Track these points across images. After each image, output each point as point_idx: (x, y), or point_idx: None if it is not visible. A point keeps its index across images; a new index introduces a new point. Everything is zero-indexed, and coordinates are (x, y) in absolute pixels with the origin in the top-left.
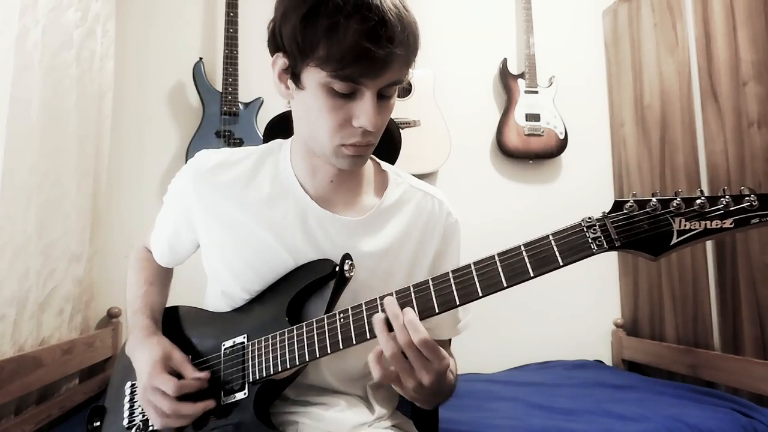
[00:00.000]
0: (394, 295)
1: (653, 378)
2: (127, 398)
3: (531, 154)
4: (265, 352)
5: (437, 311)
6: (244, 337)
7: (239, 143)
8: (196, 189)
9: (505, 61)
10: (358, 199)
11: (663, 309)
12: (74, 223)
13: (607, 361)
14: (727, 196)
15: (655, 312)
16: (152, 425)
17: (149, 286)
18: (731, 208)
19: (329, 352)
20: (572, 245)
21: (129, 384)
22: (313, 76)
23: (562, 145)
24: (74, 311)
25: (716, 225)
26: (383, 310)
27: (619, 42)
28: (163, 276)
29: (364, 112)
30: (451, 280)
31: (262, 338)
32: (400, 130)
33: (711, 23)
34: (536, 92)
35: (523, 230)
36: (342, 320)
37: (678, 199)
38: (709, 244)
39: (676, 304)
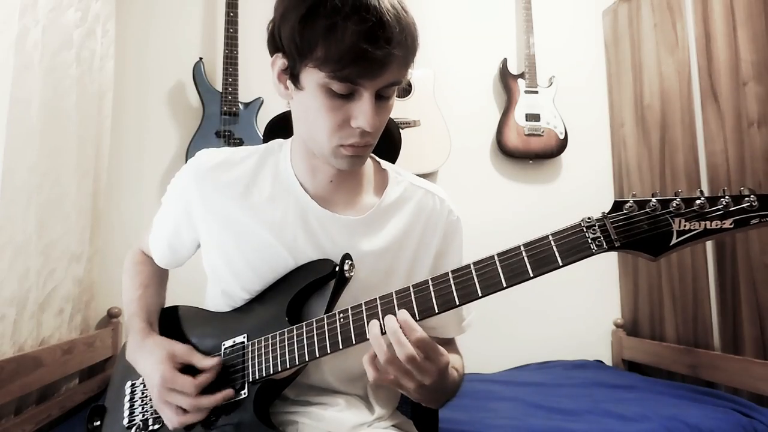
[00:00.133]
0: (394, 295)
1: (653, 378)
2: (127, 398)
3: (531, 154)
4: (264, 352)
5: (437, 311)
6: (244, 337)
7: (239, 143)
8: (198, 187)
9: (505, 61)
10: (358, 198)
11: (663, 309)
12: (74, 223)
13: (607, 361)
14: (726, 197)
15: (655, 312)
16: (152, 424)
17: (144, 289)
18: (731, 209)
19: (329, 352)
20: (572, 245)
21: (129, 383)
22: (312, 77)
23: (562, 145)
24: (74, 311)
25: (716, 225)
26: (382, 314)
27: (619, 42)
28: (159, 278)
29: (362, 112)
30: (451, 280)
31: (262, 338)
32: (400, 130)
33: (711, 23)
34: (536, 92)
35: (523, 230)
36: (342, 320)
37: (678, 199)
38: (709, 245)
39: (676, 304)
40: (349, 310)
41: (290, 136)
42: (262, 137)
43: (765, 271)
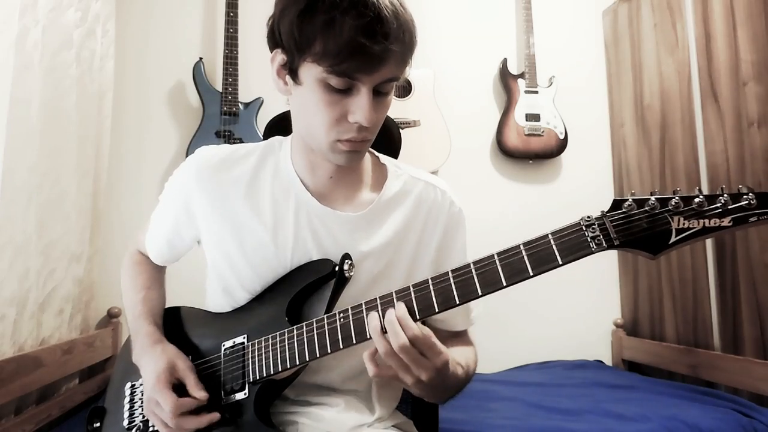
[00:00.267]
0: (394, 294)
1: (653, 378)
2: (127, 399)
3: (531, 154)
4: (265, 353)
5: (437, 310)
6: (244, 338)
7: (239, 143)
8: (199, 184)
9: (505, 61)
10: (358, 194)
11: (663, 309)
12: (74, 223)
13: (607, 361)
14: (725, 195)
15: (655, 312)
16: (152, 426)
17: (147, 291)
18: (729, 207)
19: (329, 351)
20: (571, 244)
21: (129, 384)
22: (310, 72)
23: (562, 145)
24: (74, 311)
25: (714, 223)
26: (382, 313)
27: (619, 42)
28: (159, 278)
29: (359, 107)
30: (451, 279)
31: (262, 338)
32: (400, 130)
33: (711, 23)
34: (536, 92)
35: (523, 230)
36: (342, 320)
37: (676, 197)
38: (709, 245)
39: (676, 304)
40: (350, 310)
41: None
42: (262, 137)
43: (765, 271)
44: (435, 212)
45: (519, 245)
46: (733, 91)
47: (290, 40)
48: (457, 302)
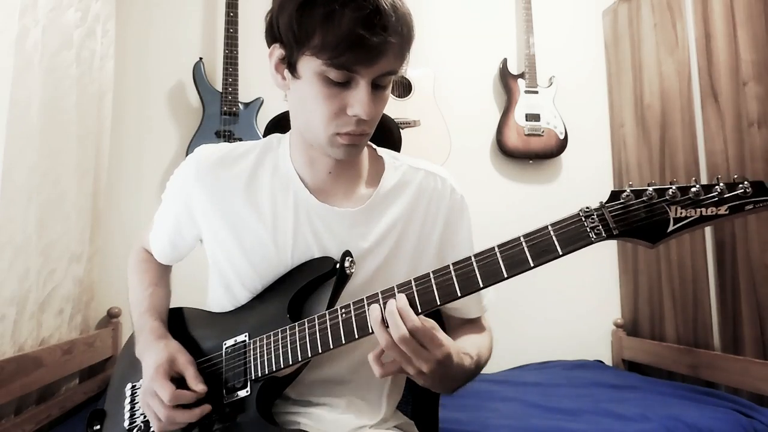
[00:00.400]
0: (396, 289)
1: (653, 378)
2: (127, 400)
3: (531, 154)
4: (267, 350)
5: (439, 303)
6: (245, 336)
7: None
8: (199, 183)
9: (505, 61)
10: (356, 189)
11: (663, 309)
12: (74, 223)
13: (607, 361)
14: (721, 184)
15: (655, 312)
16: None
17: (154, 288)
18: (725, 195)
19: (331, 347)
20: (571, 234)
21: (129, 385)
22: (309, 65)
23: (562, 145)
24: (74, 311)
25: (711, 212)
26: (384, 303)
27: (619, 42)
28: (165, 276)
29: (358, 100)
30: (452, 272)
31: (264, 336)
32: (400, 130)
33: (711, 23)
34: (536, 92)
35: (523, 230)
36: (344, 315)
37: (673, 187)
38: (709, 245)
39: (676, 304)
40: (351, 305)
41: None
42: (262, 137)
43: (765, 271)
44: (436, 201)
45: (519, 237)
46: (733, 91)
47: (289, 33)
48: (459, 295)
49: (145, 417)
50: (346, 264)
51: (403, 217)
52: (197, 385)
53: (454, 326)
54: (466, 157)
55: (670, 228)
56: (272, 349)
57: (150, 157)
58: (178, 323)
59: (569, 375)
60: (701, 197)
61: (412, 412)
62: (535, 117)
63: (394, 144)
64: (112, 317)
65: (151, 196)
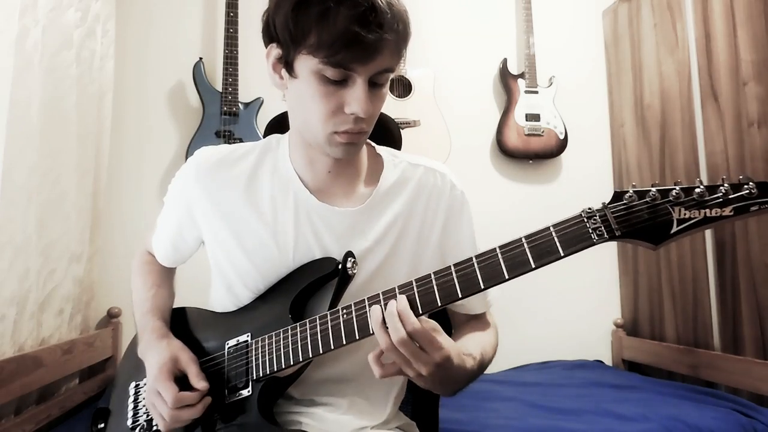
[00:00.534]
0: (397, 290)
1: (653, 378)
2: (131, 398)
3: (531, 154)
4: (268, 350)
5: (440, 305)
6: (247, 336)
7: (239, 143)
8: (199, 185)
9: (505, 61)
10: (356, 188)
11: (663, 309)
12: (74, 223)
13: (607, 361)
14: (725, 185)
15: (655, 312)
16: (156, 425)
17: (157, 288)
18: (730, 196)
19: (332, 348)
20: (573, 235)
21: (133, 384)
22: (306, 64)
23: (562, 145)
24: (74, 311)
25: (716, 213)
26: (385, 305)
27: (619, 42)
28: (169, 278)
29: (355, 98)
30: (453, 273)
31: (266, 336)
32: (400, 130)
33: (711, 23)
34: (536, 92)
35: (524, 230)
36: (345, 316)
37: (677, 188)
38: (709, 245)
39: (676, 304)
40: (353, 306)
41: None
42: (262, 137)
43: (765, 271)
44: (435, 196)
45: (521, 238)
46: (733, 91)
47: (285, 32)
48: (460, 296)
49: (147, 416)
50: (349, 265)
51: (403, 214)
52: (199, 383)
53: (459, 323)
54: (466, 157)
55: (674, 229)
56: (273, 349)
57: (150, 157)
58: (181, 323)
59: (569, 375)
60: (705, 198)
61: (413, 413)
62: (535, 117)
63: (395, 144)
64: (112, 317)
65: (151, 196)
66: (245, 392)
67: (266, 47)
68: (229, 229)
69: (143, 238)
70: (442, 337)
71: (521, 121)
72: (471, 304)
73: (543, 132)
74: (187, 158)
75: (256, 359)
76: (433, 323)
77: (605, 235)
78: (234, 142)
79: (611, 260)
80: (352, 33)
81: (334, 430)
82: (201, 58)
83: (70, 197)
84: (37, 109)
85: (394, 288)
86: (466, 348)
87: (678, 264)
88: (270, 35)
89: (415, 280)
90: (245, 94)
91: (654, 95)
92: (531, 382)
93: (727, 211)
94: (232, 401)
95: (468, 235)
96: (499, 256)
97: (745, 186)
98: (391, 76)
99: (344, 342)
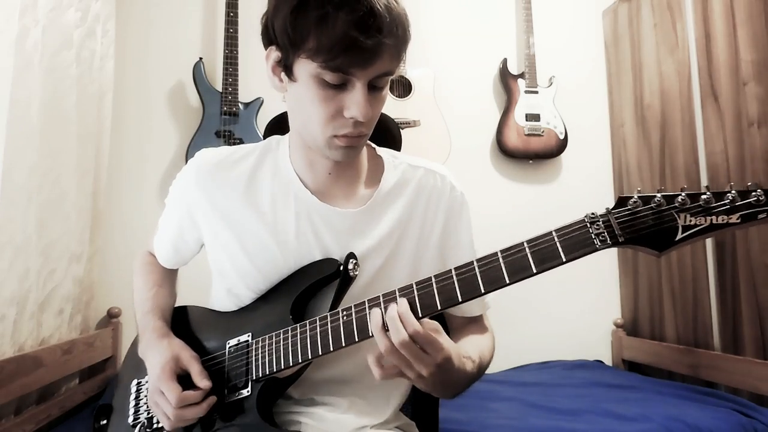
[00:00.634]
0: (397, 292)
1: (653, 378)
2: (132, 396)
3: (531, 154)
4: (268, 351)
5: (439, 308)
6: (248, 336)
7: (239, 143)
8: (199, 187)
9: (505, 61)
10: (356, 189)
11: (663, 309)
12: (74, 223)
13: (607, 361)
14: (733, 192)
15: (655, 312)
16: (156, 422)
17: (158, 288)
18: (737, 204)
19: (332, 349)
20: (575, 241)
21: (135, 382)
22: (305, 68)
23: (562, 145)
24: (74, 311)
25: (722, 220)
26: (385, 307)
27: (619, 42)
28: (170, 278)
29: (354, 102)
30: (454, 276)
31: (266, 336)
32: (400, 130)
33: (711, 23)
34: (536, 92)
35: (524, 230)
36: (345, 317)
37: (683, 194)
38: (709, 245)
39: (676, 304)
40: (353, 308)
41: None
42: (262, 137)
43: (765, 271)
44: (435, 198)
45: (522, 243)
46: (733, 91)
47: (284, 36)
48: (460, 300)
49: (148, 413)
50: (350, 266)
51: (404, 216)
52: (202, 381)
53: (457, 326)
54: (466, 157)
55: (679, 236)
56: (273, 350)
57: (150, 157)
58: (182, 322)
59: (569, 375)
60: (712, 204)
61: (413, 413)
62: (535, 117)
63: (395, 144)
64: (112, 317)
65: (151, 196)
66: (245, 392)
67: (265, 49)
68: (229, 230)
69: (143, 238)
70: (443, 338)
71: (521, 121)
72: (469, 306)
73: (543, 132)
74: (187, 158)
75: (256, 359)
76: (435, 324)
77: (608, 241)
78: (234, 142)
79: (611, 260)
80: (350, 38)
81: (333, 429)
82: (201, 58)
83: (70, 197)
84: (37, 109)
85: (395, 291)
86: (466, 351)
87: (678, 264)
88: (269, 38)
89: (416, 283)
90: (245, 94)
91: (654, 95)
92: (531, 382)
93: (734, 218)
94: (232, 401)
95: (467, 237)
96: (501, 260)
97: (753, 193)
98: (391, 78)
99: (343, 344)
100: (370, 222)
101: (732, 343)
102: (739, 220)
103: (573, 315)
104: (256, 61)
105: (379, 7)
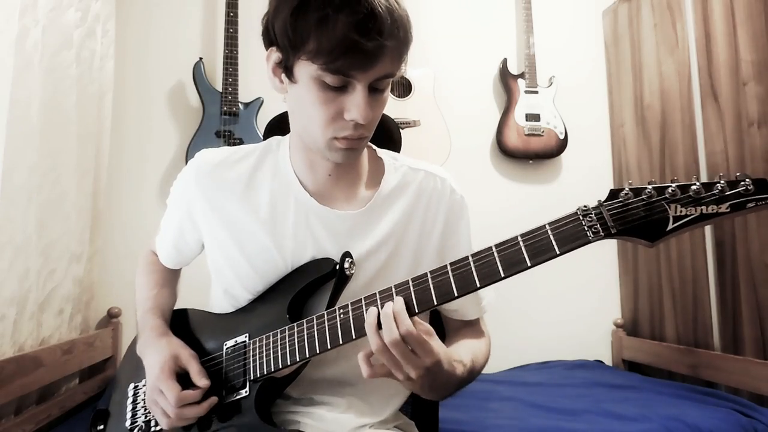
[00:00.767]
0: (393, 289)
1: (653, 378)
2: (129, 399)
3: (531, 154)
4: (266, 351)
5: (435, 303)
6: (245, 336)
7: (239, 143)
8: (199, 188)
9: (505, 61)
10: (356, 191)
11: (663, 309)
12: (74, 223)
13: (607, 361)
14: (722, 182)
15: (655, 312)
16: (155, 425)
17: (160, 288)
18: (726, 193)
19: (329, 347)
20: (568, 234)
21: (132, 385)
22: (305, 70)
23: (562, 145)
24: (74, 311)
25: (712, 210)
26: (381, 305)
27: (619, 42)
28: (172, 278)
29: (355, 105)
30: (450, 272)
31: (263, 336)
32: (400, 130)
33: (711, 23)
34: (536, 92)
35: (523, 230)
36: (342, 316)
37: (673, 185)
38: (709, 245)
39: (676, 304)
40: (349, 306)
41: None
42: (262, 137)
43: (765, 271)
44: (435, 201)
45: (516, 237)
46: (733, 91)
47: (284, 38)
48: (456, 294)
49: (145, 417)
50: (346, 265)
51: (404, 218)
52: (200, 380)
53: (453, 329)
54: (466, 157)
55: (670, 226)
56: (270, 350)
57: (150, 157)
58: (180, 324)
59: (569, 375)
60: (702, 195)
61: (413, 412)
62: (535, 117)
63: (395, 144)
64: (112, 317)
65: (151, 196)
66: (243, 392)
67: (266, 50)
68: (228, 231)
69: (143, 238)
70: (435, 342)
71: (521, 121)
72: (465, 309)
73: (543, 132)
74: (187, 158)
75: (254, 360)
76: (428, 326)
77: (601, 233)
78: (234, 143)
79: (611, 260)
80: (351, 40)
81: (332, 428)
82: (201, 58)
83: (70, 197)
84: (37, 109)
85: (391, 288)
86: (458, 354)
87: (678, 264)
88: (269, 39)
89: (412, 279)
90: (245, 94)
91: (654, 95)
92: (531, 382)
93: (724, 207)
94: (230, 401)
95: (466, 240)
96: (495, 254)
97: (742, 183)
98: (392, 79)
99: (341, 342)
100: (369, 224)
101: (732, 343)
102: (728, 210)
103: (573, 315)
104: (256, 61)
105: (380, 9)
